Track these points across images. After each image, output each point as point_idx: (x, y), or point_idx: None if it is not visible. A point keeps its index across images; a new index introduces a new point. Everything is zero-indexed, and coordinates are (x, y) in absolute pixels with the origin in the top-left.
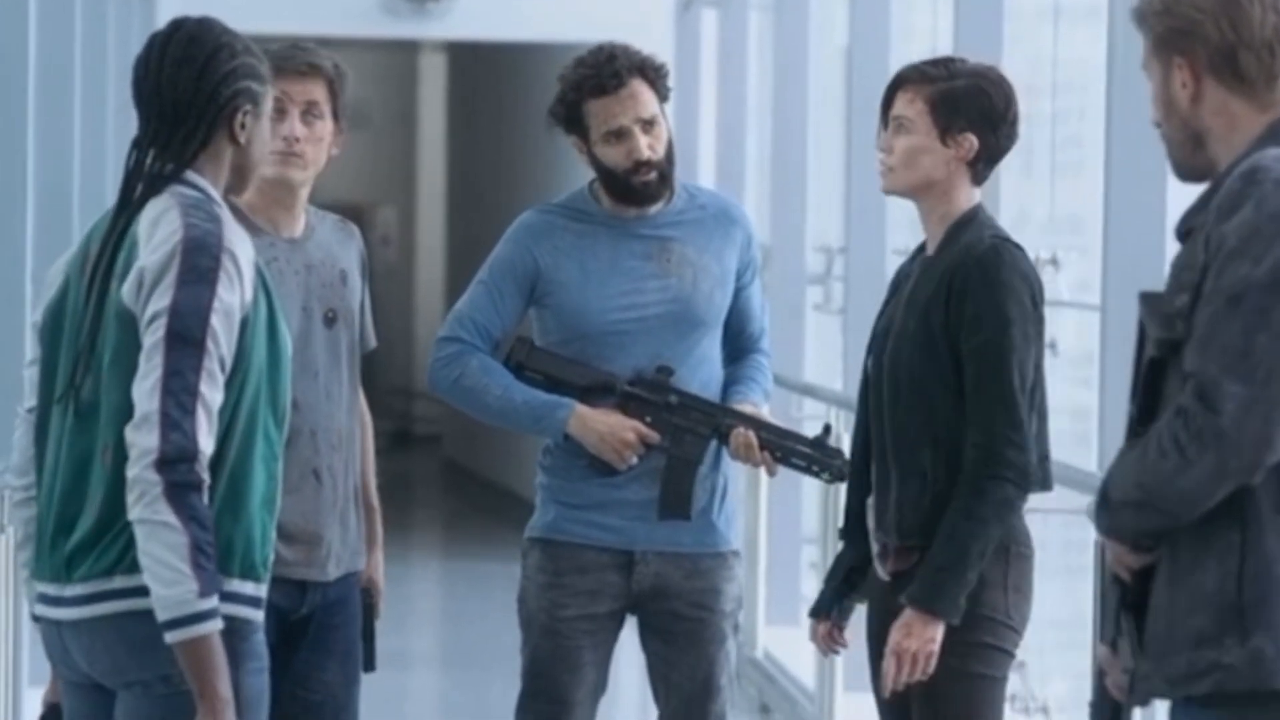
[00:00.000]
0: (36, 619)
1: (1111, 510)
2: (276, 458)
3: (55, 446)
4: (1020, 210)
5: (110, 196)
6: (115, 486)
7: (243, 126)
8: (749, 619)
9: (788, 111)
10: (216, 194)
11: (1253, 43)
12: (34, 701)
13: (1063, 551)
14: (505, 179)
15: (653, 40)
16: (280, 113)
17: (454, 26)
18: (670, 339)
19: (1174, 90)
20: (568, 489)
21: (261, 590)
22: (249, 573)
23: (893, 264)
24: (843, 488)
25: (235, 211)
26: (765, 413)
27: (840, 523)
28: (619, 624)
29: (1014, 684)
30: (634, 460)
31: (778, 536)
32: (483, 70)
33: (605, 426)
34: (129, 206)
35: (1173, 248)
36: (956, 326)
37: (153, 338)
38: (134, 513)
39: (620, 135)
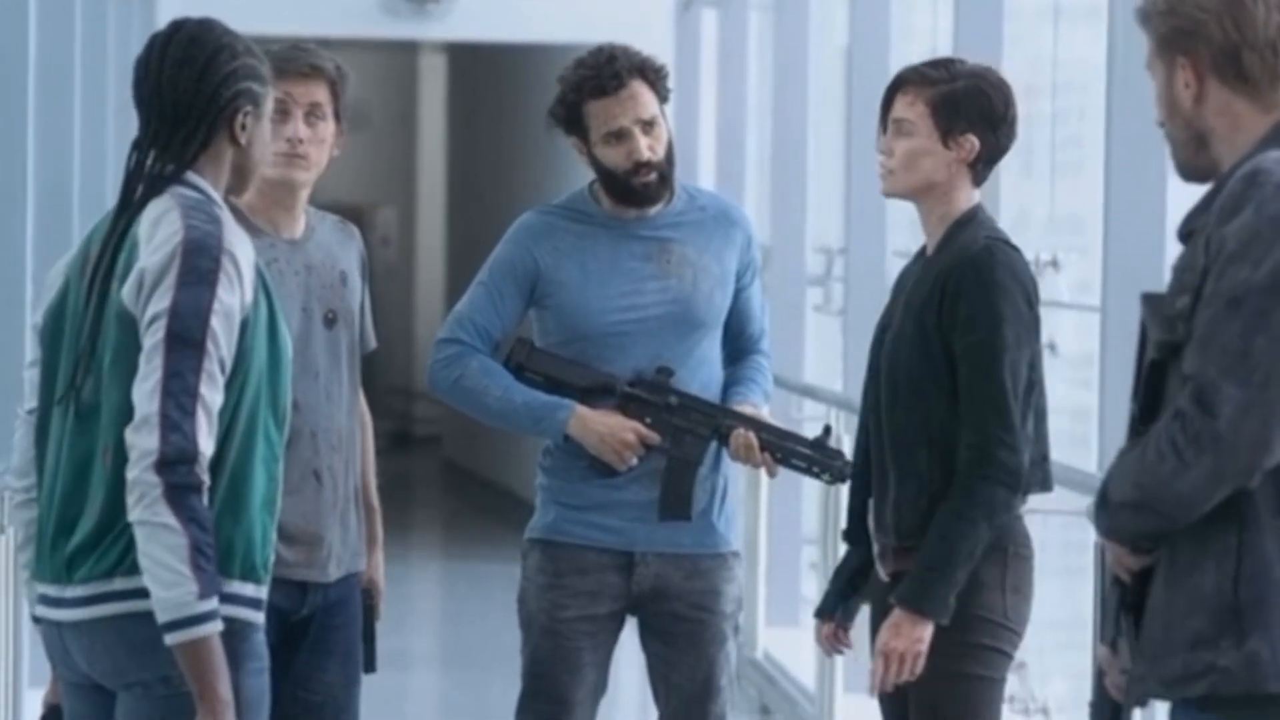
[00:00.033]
0: (37, 620)
1: (1110, 511)
2: (277, 459)
3: (56, 448)
4: (1020, 211)
5: (110, 197)
6: (116, 488)
7: (243, 128)
8: (749, 620)
9: (788, 112)
10: (217, 195)
11: (1256, 43)
12: (34, 702)
13: (1063, 552)
14: (505, 179)
15: (653, 40)
16: (283, 114)
17: (454, 27)
18: (670, 340)
19: (1177, 90)
20: (568, 490)
21: (262, 592)
22: (249, 574)
23: (893, 264)
24: (843, 489)
25: (235, 212)
26: (765, 414)
27: (842, 524)
28: (619, 625)
29: (1014, 684)
30: (634, 461)
31: (778, 537)
32: (483, 71)
33: (605, 427)
34: (129, 208)
35: (1173, 249)
36: (950, 327)
37: (153, 339)
38: (134, 514)
39: (620, 136)
